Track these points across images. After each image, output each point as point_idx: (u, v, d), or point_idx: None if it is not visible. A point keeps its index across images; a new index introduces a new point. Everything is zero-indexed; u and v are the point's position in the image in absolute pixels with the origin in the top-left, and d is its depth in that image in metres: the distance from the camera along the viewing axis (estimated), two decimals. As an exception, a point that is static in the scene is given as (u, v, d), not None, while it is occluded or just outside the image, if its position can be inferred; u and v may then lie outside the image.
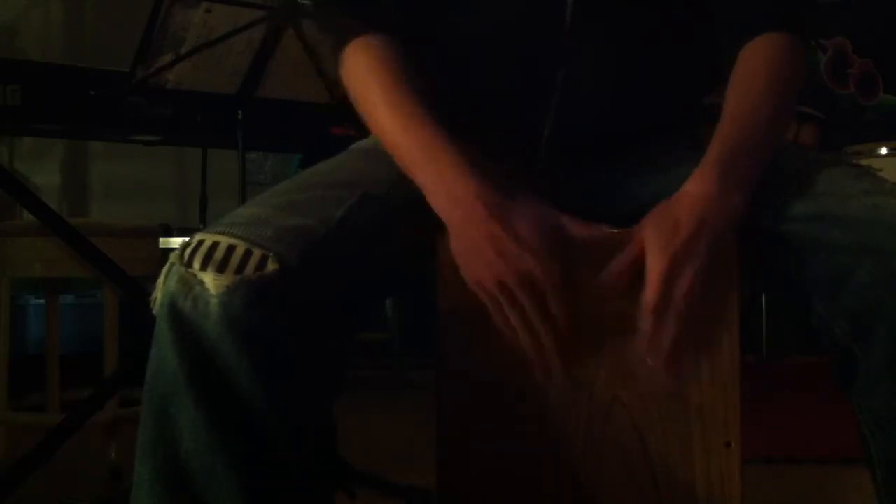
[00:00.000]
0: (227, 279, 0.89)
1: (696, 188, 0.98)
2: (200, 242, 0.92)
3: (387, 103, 1.07)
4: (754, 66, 1.09)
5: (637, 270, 0.96)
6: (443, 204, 1.00)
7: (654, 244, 0.95)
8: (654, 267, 0.94)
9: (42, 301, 2.52)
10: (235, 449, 0.90)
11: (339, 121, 3.26)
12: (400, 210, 1.03)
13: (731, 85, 1.08)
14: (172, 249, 0.97)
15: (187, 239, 0.95)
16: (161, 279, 0.93)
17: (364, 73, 1.10)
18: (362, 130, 1.15)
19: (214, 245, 0.92)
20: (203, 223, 3.36)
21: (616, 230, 1.03)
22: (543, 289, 0.95)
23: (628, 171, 1.16)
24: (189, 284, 0.90)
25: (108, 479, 2.14)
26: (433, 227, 1.01)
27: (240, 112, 2.53)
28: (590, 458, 1.03)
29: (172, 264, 0.93)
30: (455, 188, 0.99)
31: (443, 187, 1.00)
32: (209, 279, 0.89)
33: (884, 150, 2.84)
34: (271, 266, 0.90)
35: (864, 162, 2.75)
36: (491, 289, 0.96)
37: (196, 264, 0.91)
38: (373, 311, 3.27)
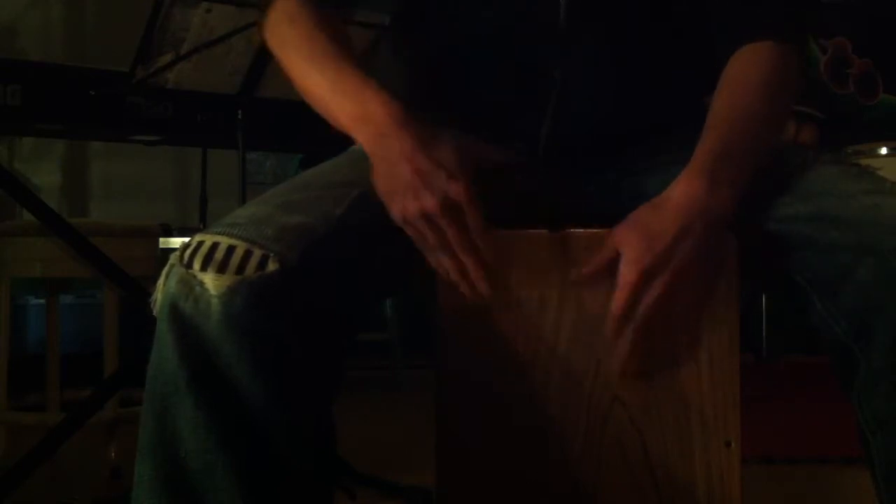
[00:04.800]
0: (227, 279, 0.89)
1: (680, 195, 0.98)
2: (201, 243, 0.92)
3: (306, 52, 1.08)
4: (745, 72, 1.08)
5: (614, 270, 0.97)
6: (363, 131, 1.01)
7: (627, 253, 0.96)
8: (624, 277, 0.96)
9: (42, 301, 2.52)
10: (235, 449, 0.90)
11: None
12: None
13: (720, 89, 1.08)
14: (172, 249, 0.97)
15: (187, 239, 0.95)
16: (161, 280, 0.93)
17: (282, 25, 1.11)
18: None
19: (215, 245, 0.92)
20: (203, 223, 3.35)
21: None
22: (465, 211, 0.95)
23: (627, 170, 1.16)
24: (190, 285, 0.90)
25: (108, 479, 2.14)
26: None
27: (240, 112, 2.53)
28: (590, 458, 1.03)
29: (173, 265, 0.93)
30: (374, 113, 1.00)
31: (362, 114, 1.01)
32: (210, 280, 0.89)
33: (884, 150, 2.83)
34: (272, 266, 0.90)
35: (864, 162, 2.75)
36: (415, 221, 0.95)
37: (196, 265, 0.91)
38: (373, 311, 3.27)
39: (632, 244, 0.96)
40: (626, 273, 0.96)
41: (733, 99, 1.06)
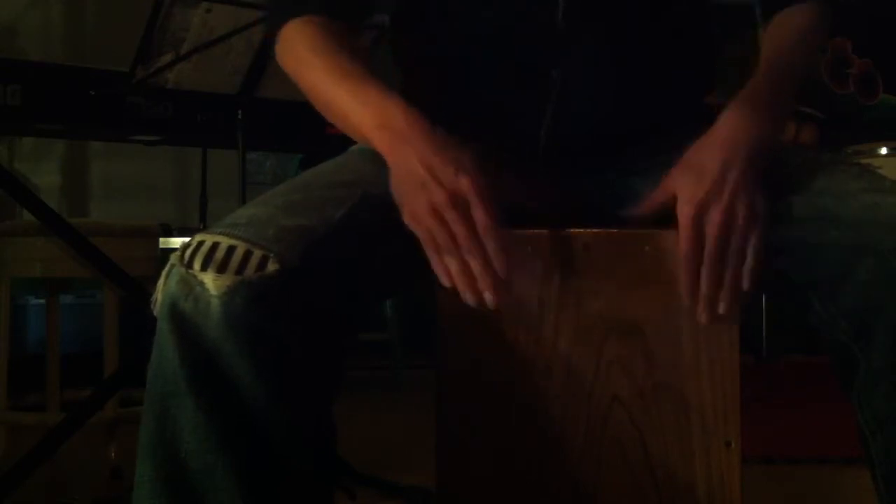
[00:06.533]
0: (227, 280, 0.89)
1: (724, 127, 1.02)
2: (201, 243, 0.93)
3: (325, 68, 1.08)
4: (788, 24, 1.15)
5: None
6: (382, 138, 1.01)
7: (681, 193, 0.99)
8: (682, 214, 0.98)
9: (42, 301, 2.52)
10: (236, 449, 0.90)
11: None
12: (400, 210, 1.03)
13: (766, 39, 1.14)
14: (172, 249, 0.97)
15: (188, 240, 0.95)
16: (162, 280, 0.93)
17: (298, 45, 1.11)
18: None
19: (215, 246, 0.92)
20: (203, 223, 3.35)
21: (616, 230, 1.03)
22: (474, 208, 0.94)
23: (627, 170, 1.16)
24: (190, 285, 0.90)
25: (108, 479, 2.14)
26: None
27: (240, 112, 2.53)
28: (590, 458, 1.03)
29: (173, 265, 0.93)
30: (393, 119, 1.00)
31: (382, 122, 1.01)
32: (210, 280, 0.89)
33: (884, 150, 2.84)
34: (272, 266, 0.90)
35: (864, 162, 2.75)
36: (424, 218, 0.95)
37: (197, 265, 0.91)
38: (373, 311, 3.27)
39: (684, 183, 0.99)
40: (683, 210, 0.98)
41: (775, 44, 1.12)
